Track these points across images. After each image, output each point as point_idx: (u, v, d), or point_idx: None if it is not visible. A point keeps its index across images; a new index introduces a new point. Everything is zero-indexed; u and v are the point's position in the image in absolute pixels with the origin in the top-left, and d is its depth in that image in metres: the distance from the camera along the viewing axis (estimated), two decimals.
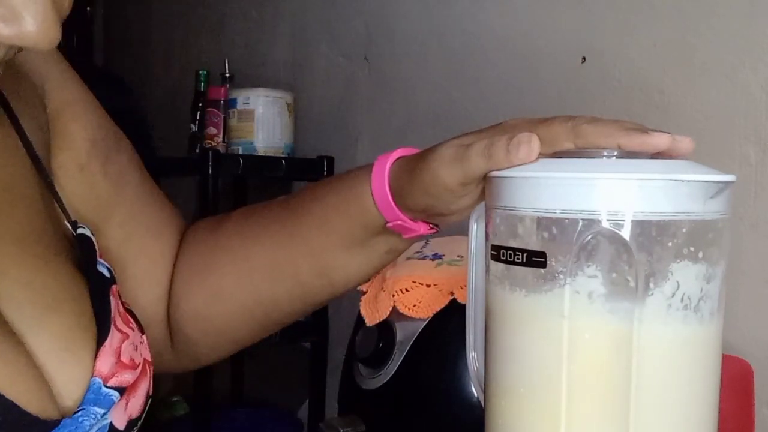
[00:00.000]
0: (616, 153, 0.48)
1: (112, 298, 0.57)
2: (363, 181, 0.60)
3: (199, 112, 2.03)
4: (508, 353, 0.48)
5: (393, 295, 0.95)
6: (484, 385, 0.51)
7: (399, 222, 0.59)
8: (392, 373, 0.94)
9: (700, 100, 1.07)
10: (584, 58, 1.23)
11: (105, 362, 0.53)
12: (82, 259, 0.58)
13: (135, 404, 0.55)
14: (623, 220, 0.44)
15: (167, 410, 2.25)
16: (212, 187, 1.69)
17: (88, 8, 3.46)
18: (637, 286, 0.44)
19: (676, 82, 1.10)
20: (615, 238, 0.44)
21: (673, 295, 0.44)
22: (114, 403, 0.53)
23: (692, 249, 0.45)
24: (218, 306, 0.67)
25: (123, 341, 0.55)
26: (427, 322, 0.94)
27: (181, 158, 1.99)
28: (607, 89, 1.19)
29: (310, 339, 1.85)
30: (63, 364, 0.52)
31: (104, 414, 0.52)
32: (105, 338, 0.54)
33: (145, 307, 0.67)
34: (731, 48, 1.03)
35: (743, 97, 1.01)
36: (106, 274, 0.58)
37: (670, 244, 0.44)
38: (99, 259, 0.59)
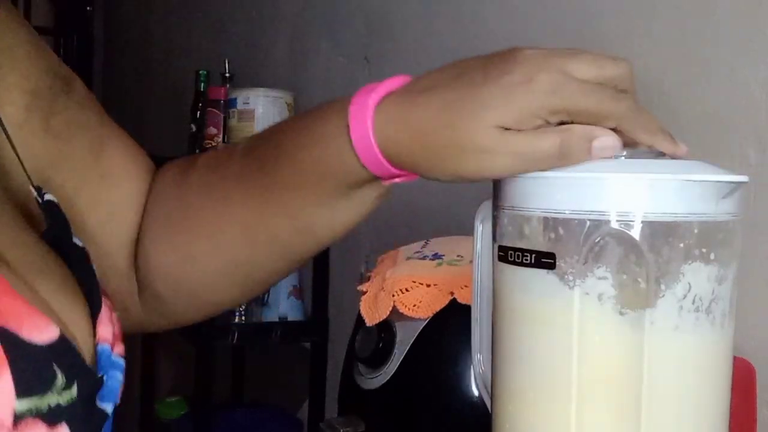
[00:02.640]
0: (624, 153, 0.48)
1: (94, 265, 0.51)
2: (339, 135, 0.51)
3: (199, 112, 2.03)
4: (516, 356, 0.47)
5: (393, 295, 0.95)
6: (491, 388, 0.51)
7: (396, 178, 0.52)
8: (392, 373, 0.94)
9: (700, 100, 1.06)
10: None
11: (106, 330, 0.48)
12: (55, 228, 0.51)
13: (121, 383, 0.50)
14: (633, 221, 0.44)
15: (167, 410, 2.25)
16: None
17: (88, 8, 3.47)
18: (648, 288, 0.44)
19: (676, 82, 1.10)
20: (625, 239, 0.44)
21: (685, 296, 0.44)
22: (124, 368, 0.48)
23: (704, 250, 0.45)
24: (190, 268, 0.61)
25: (111, 312, 0.50)
26: (427, 322, 0.93)
27: None
28: None
29: (310, 339, 1.85)
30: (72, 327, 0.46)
31: (120, 382, 0.47)
32: (99, 306, 0.49)
33: (106, 256, 0.61)
34: (731, 48, 1.02)
35: (743, 97, 1.00)
36: (80, 243, 0.52)
37: (681, 245, 0.44)
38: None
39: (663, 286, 0.44)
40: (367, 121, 0.49)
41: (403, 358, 0.93)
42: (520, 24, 1.37)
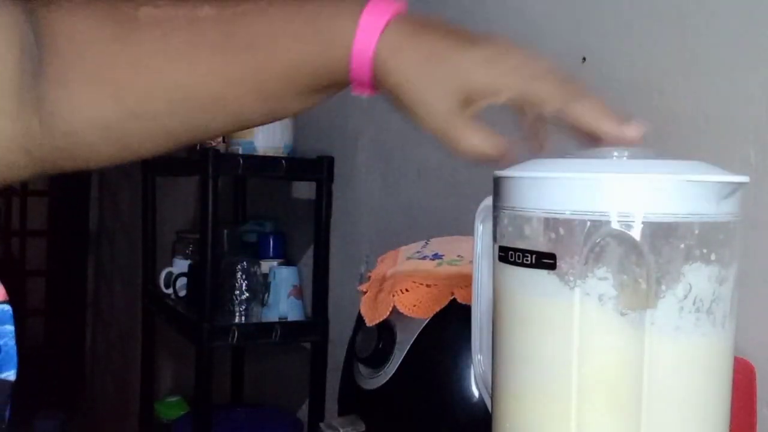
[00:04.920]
0: (627, 153, 0.48)
1: None
2: (341, 45, 0.54)
3: None
4: (517, 356, 0.47)
5: (393, 295, 0.95)
6: (491, 388, 0.51)
7: (364, 85, 0.56)
8: (392, 373, 0.94)
9: (700, 100, 1.06)
10: (584, 58, 1.23)
11: None
12: None
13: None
14: (634, 221, 0.44)
15: (167, 410, 2.25)
16: (212, 187, 1.69)
17: None
18: (649, 289, 0.44)
19: (676, 82, 1.10)
20: (626, 240, 0.44)
21: (685, 297, 0.44)
22: (11, 315, 0.44)
23: (705, 251, 0.45)
24: (132, 123, 0.57)
25: None
26: (427, 322, 0.93)
27: (181, 158, 1.99)
28: (607, 89, 1.19)
29: (310, 339, 1.85)
30: None
31: (14, 336, 0.44)
32: None
33: None
34: (731, 48, 1.02)
35: (743, 97, 1.00)
36: None
37: (681, 245, 0.44)
38: None
39: (664, 287, 0.44)
40: (371, 50, 0.53)
41: (403, 358, 0.93)
42: (519, 24, 1.37)
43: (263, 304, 1.85)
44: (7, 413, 0.43)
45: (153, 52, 0.55)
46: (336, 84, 0.57)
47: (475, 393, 0.87)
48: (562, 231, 0.45)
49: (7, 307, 0.44)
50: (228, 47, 0.55)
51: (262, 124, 0.62)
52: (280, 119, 0.61)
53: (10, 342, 0.43)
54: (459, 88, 0.52)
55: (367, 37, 0.54)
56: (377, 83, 0.55)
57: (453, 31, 0.55)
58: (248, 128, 0.62)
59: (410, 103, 0.54)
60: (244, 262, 1.83)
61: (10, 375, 0.43)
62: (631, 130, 0.50)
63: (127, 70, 0.56)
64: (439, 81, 0.53)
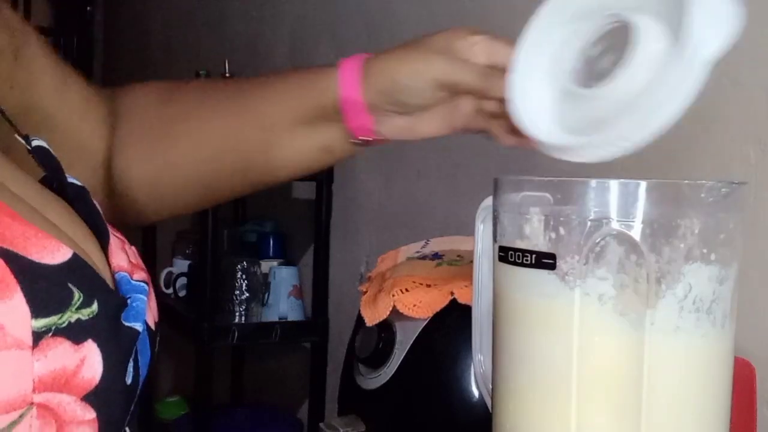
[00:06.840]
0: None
1: (95, 202, 0.51)
2: (330, 67, 0.65)
3: None
4: (517, 356, 0.47)
5: (393, 295, 0.95)
6: (492, 387, 0.51)
7: (353, 103, 0.64)
8: (392, 373, 0.94)
9: (700, 100, 1.06)
10: None
11: (120, 259, 0.47)
12: (51, 171, 0.51)
13: (154, 309, 0.49)
14: (634, 221, 0.44)
15: (167, 410, 2.26)
16: None
17: (88, 8, 3.47)
18: (649, 289, 0.44)
19: None
20: (626, 240, 0.44)
21: (686, 297, 0.44)
22: (148, 292, 0.47)
23: (705, 251, 0.45)
24: (169, 173, 0.70)
25: (123, 243, 0.50)
26: (427, 322, 0.93)
27: None
28: None
29: (310, 339, 1.85)
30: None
31: (146, 303, 0.46)
32: (107, 238, 0.48)
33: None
34: (731, 48, 1.02)
35: (743, 97, 1.00)
36: (78, 182, 0.52)
37: (682, 245, 0.44)
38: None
39: (664, 287, 0.44)
40: (356, 70, 0.64)
41: (403, 358, 0.93)
42: (520, 25, 1.37)
43: (263, 304, 1.85)
44: (137, 365, 0.44)
45: (184, 103, 0.70)
46: (327, 111, 0.65)
47: (475, 393, 0.87)
48: (562, 231, 0.45)
49: (145, 285, 0.48)
50: (240, 88, 0.70)
51: (261, 175, 0.71)
52: (277, 172, 0.70)
53: (141, 305, 0.45)
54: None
55: (350, 67, 0.64)
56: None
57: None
58: (252, 185, 0.74)
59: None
60: (244, 262, 1.83)
61: (137, 325, 0.44)
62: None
63: (160, 123, 0.69)
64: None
